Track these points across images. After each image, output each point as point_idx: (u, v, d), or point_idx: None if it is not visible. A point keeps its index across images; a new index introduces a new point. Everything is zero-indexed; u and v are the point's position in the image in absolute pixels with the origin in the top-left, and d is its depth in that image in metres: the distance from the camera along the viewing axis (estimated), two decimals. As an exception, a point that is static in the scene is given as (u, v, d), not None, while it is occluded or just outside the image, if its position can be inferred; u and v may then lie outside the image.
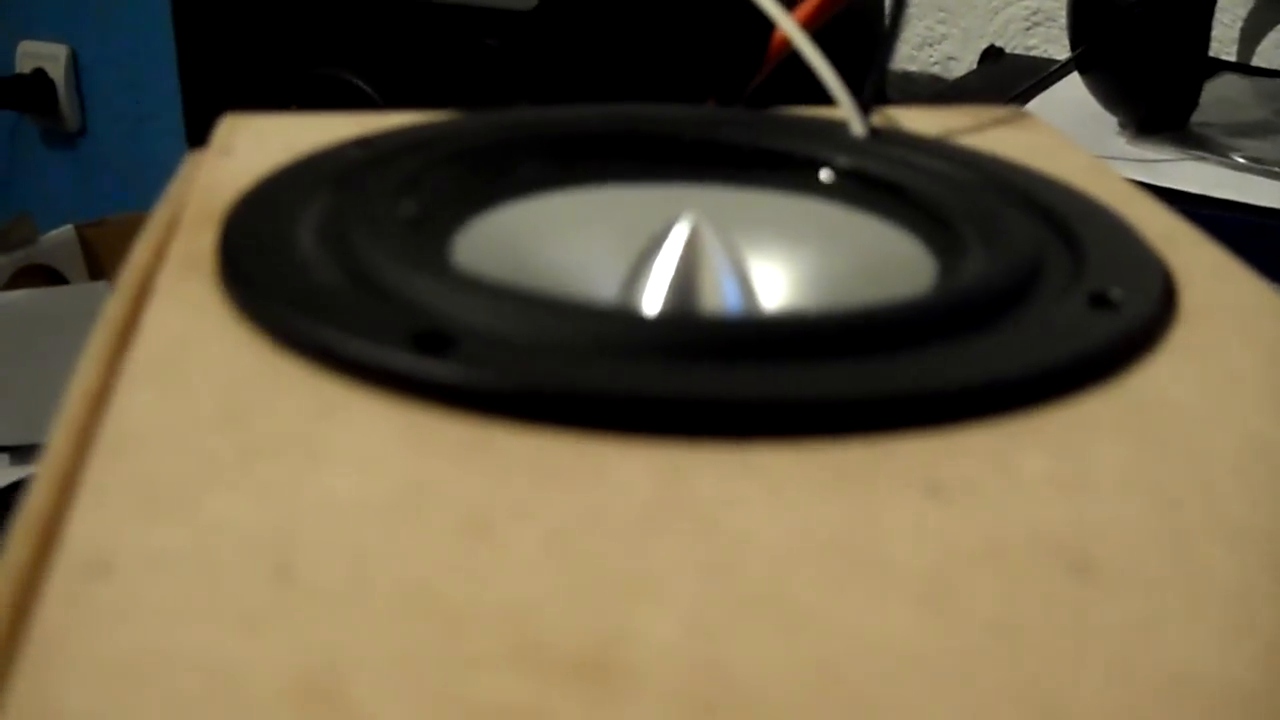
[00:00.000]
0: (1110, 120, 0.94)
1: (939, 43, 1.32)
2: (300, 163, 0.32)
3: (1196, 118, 0.94)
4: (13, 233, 1.50)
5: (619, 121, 0.35)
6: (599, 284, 0.30)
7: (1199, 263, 0.30)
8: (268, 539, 0.19)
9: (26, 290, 1.37)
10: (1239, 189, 0.85)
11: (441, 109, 0.77)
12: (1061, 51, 0.94)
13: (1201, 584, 0.19)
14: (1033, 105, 0.99)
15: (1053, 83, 1.01)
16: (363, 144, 0.33)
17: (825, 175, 0.34)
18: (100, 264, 1.54)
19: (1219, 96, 1.04)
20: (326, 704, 0.16)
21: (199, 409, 0.22)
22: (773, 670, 0.17)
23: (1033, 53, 1.27)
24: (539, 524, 0.19)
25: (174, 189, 0.34)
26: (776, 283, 0.32)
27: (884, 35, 0.39)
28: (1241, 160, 0.89)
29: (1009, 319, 0.25)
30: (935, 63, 1.33)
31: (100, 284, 1.37)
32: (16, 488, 1.26)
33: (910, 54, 1.33)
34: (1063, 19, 0.97)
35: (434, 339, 0.23)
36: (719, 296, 0.28)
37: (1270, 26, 1.19)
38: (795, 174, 0.34)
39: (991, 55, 1.23)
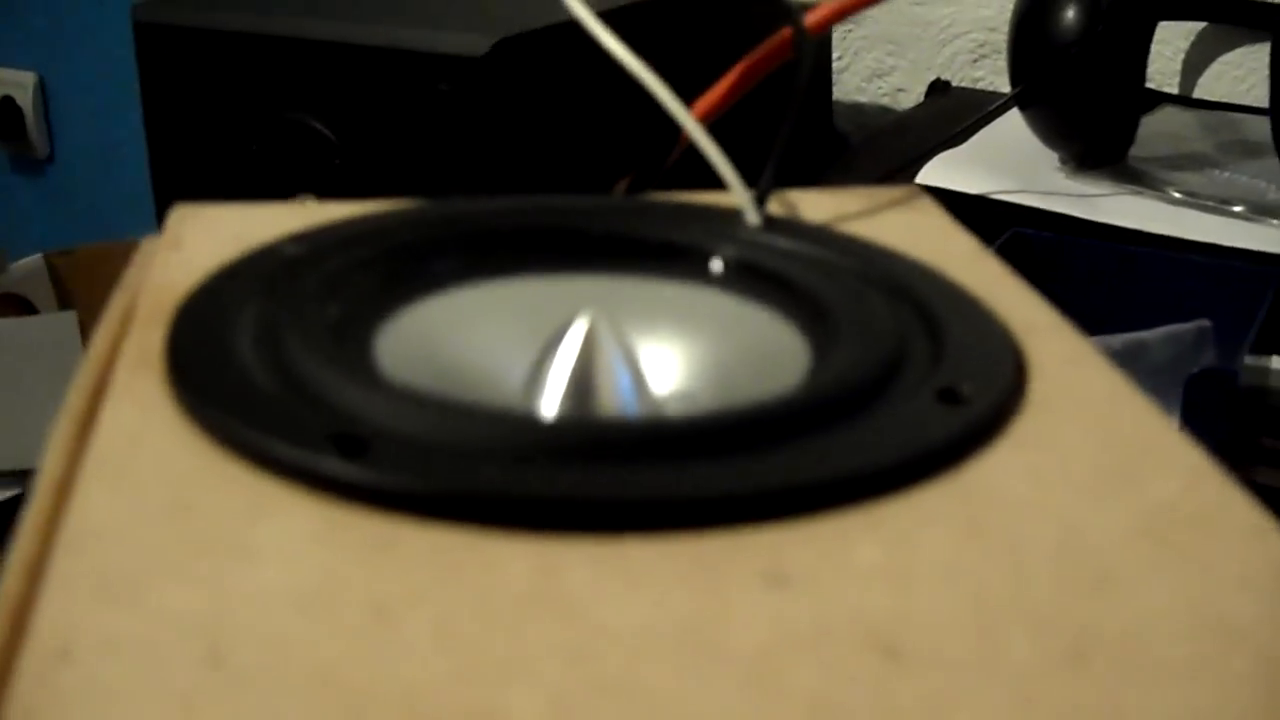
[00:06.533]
0: (1051, 155, 0.97)
1: (888, 74, 1.35)
2: (240, 261, 0.35)
3: (1135, 151, 0.97)
4: (-17, 262, 1.51)
5: (529, 216, 0.38)
6: (507, 375, 0.34)
7: (1055, 352, 0.33)
8: (203, 626, 0.22)
9: (-2, 320, 1.39)
10: (1172, 224, 0.87)
11: (395, 152, 0.79)
12: (1007, 83, 0.97)
13: (997, 664, 0.22)
14: (976, 140, 1.02)
15: (995, 118, 1.04)
16: (298, 240, 0.36)
17: (716, 266, 0.37)
18: (69, 293, 1.56)
19: (1158, 130, 1.06)
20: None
21: (148, 505, 0.26)
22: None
23: (979, 84, 1.30)
24: (432, 613, 0.23)
25: (130, 277, 0.37)
26: (671, 370, 0.35)
27: (782, 124, 0.42)
28: (1177, 195, 0.91)
29: (863, 415, 0.29)
30: (885, 94, 1.36)
31: (69, 314, 1.38)
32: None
33: (860, 85, 1.37)
34: (1007, 52, 0.99)
35: (350, 442, 0.26)
36: (613, 393, 0.31)
37: (1211, 59, 1.21)
38: (692, 265, 0.37)
39: (938, 89, 1.27)
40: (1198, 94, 1.21)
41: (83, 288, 1.57)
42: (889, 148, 1.07)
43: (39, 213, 1.92)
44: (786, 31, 0.46)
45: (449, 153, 0.81)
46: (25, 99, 1.83)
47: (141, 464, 0.27)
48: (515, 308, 0.36)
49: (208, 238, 0.38)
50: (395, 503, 0.25)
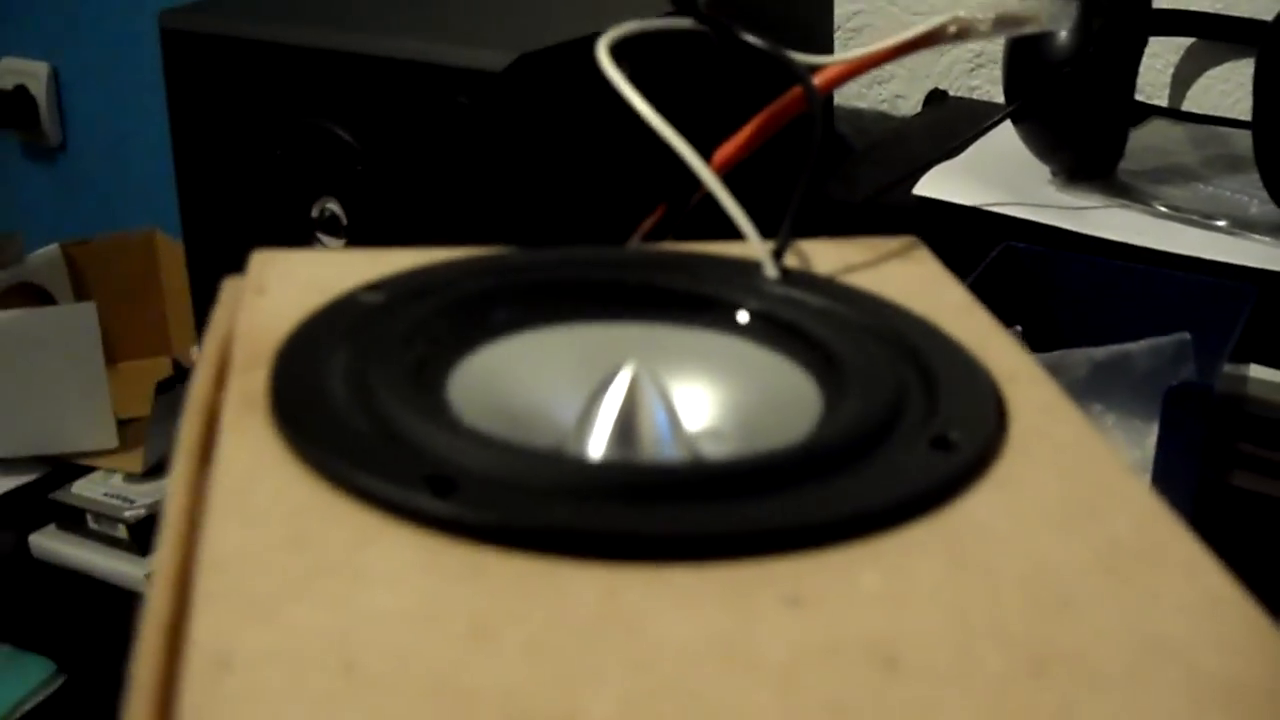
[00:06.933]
0: (1043, 168, 1.02)
1: (887, 81, 1.40)
2: (325, 310, 0.40)
3: (1125, 165, 1.01)
4: (1, 251, 1.54)
5: (574, 268, 0.44)
6: (559, 413, 0.39)
7: (1032, 400, 0.38)
8: (334, 639, 0.28)
9: (15, 311, 1.42)
10: (1158, 237, 0.92)
11: (417, 161, 0.81)
12: (1001, 92, 1.01)
13: (974, 674, 0.28)
14: (971, 152, 1.06)
15: (990, 130, 1.08)
16: (374, 289, 0.42)
17: (742, 317, 0.42)
18: (85, 282, 1.60)
19: (1147, 143, 1.09)
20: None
21: (271, 535, 0.31)
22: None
23: (975, 93, 1.34)
24: (520, 630, 0.28)
25: (218, 316, 0.42)
26: (702, 409, 0.41)
27: (800, 180, 0.47)
28: (1163, 208, 0.95)
29: (867, 460, 0.34)
30: (884, 100, 1.41)
31: (88, 305, 1.42)
32: (8, 499, 1.33)
33: (860, 91, 1.41)
34: (1003, 61, 1.03)
35: (441, 482, 0.32)
36: (653, 434, 0.37)
37: (1200, 72, 1.25)
38: (719, 315, 0.43)
39: (936, 97, 1.31)
40: (1186, 106, 1.25)
41: (99, 277, 1.61)
42: (888, 157, 1.12)
43: (51, 201, 1.96)
44: (798, 89, 0.51)
45: (469, 164, 0.85)
46: (38, 88, 1.87)
47: (261, 498, 0.32)
48: (564, 352, 0.41)
49: (288, 283, 0.43)
50: (482, 535, 0.31)
